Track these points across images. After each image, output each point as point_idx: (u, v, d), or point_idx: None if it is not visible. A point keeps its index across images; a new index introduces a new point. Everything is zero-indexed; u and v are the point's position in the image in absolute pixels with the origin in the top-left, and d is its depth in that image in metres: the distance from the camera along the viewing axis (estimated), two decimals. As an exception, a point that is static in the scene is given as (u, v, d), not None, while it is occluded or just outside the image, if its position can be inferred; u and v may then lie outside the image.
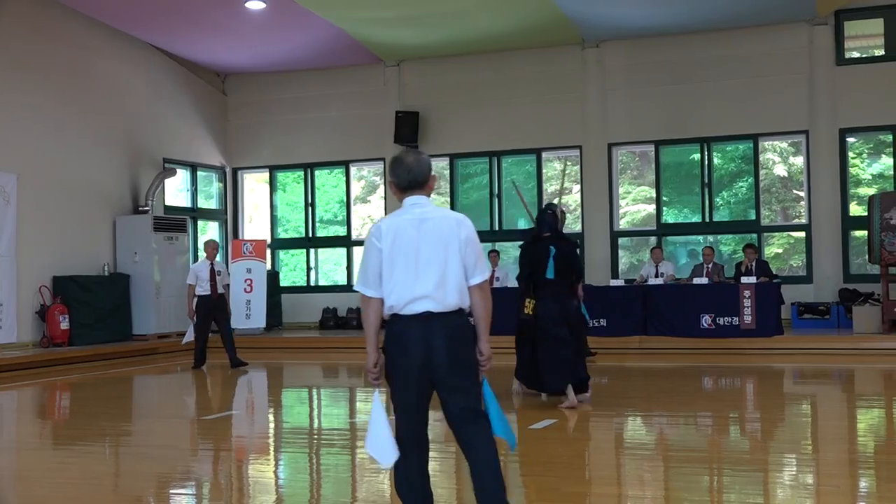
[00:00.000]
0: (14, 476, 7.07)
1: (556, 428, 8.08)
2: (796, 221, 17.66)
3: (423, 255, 4.30)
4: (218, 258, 14.09)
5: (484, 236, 18.79)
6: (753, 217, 17.41)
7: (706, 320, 14.63)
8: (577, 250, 9.60)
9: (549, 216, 9.35)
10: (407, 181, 4.43)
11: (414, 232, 4.33)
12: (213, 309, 13.53)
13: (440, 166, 19.61)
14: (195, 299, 13.44)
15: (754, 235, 17.27)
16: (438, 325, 4.28)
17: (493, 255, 16.65)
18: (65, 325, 15.62)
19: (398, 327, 4.33)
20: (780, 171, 18.15)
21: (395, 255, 4.32)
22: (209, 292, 13.40)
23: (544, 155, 18.71)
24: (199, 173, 19.92)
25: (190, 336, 13.58)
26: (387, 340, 4.38)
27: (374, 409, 4.37)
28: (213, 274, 13.44)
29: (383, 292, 4.36)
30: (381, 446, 4.34)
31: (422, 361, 4.28)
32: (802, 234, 17.30)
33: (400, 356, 4.32)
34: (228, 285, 14.28)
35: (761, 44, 17.04)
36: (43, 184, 15.87)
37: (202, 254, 14.17)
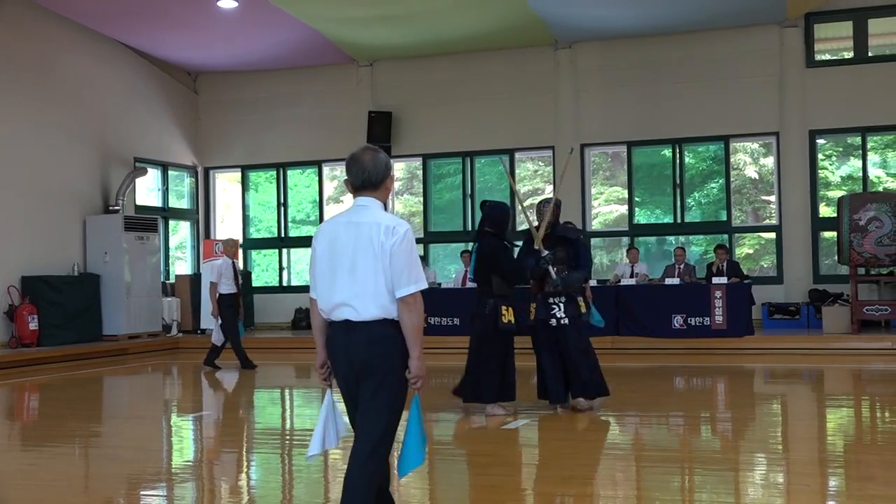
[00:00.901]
0: (-18, 478, 6.99)
1: (528, 428, 8.09)
2: (767, 222, 17.79)
3: (349, 260, 4.17)
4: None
5: (457, 237, 18.86)
6: (724, 218, 17.52)
7: (678, 320, 14.69)
8: (512, 247, 8.87)
9: (485, 209, 8.82)
10: (361, 181, 4.28)
11: (345, 236, 4.21)
12: (238, 306, 13.27)
13: (413, 166, 19.60)
14: (220, 299, 13.12)
15: (725, 236, 17.38)
16: (359, 335, 4.15)
17: (466, 256, 16.64)
18: (34, 325, 15.45)
19: (329, 332, 4.28)
20: (751, 172, 18.28)
21: (324, 258, 4.25)
22: (234, 290, 13.14)
23: (517, 155, 18.74)
24: (170, 173, 19.79)
25: (218, 335, 13.22)
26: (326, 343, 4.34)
27: (323, 405, 4.36)
28: (236, 273, 13.25)
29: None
30: (313, 438, 4.35)
31: (346, 370, 4.21)
32: (773, 235, 17.43)
33: (332, 361, 4.30)
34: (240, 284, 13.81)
35: (732, 46, 17.15)
36: (11, 182, 15.70)
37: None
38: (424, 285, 4.17)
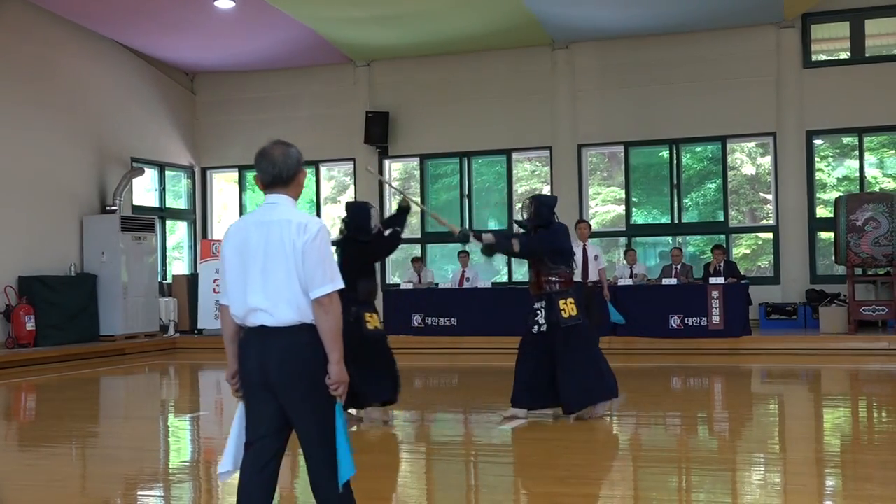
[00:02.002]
0: (-21, 478, 6.98)
1: (526, 429, 8.09)
2: (764, 223, 17.80)
3: (261, 262, 3.93)
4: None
5: (454, 237, 18.80)
6: (721, 218, 17.53)
7: (675, 321, 14.70)
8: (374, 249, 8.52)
9: (348, 213, 8.53)
10: (271, 177, 4.06)
11: (255, 235, 3.97)
12: None
13: (410, 167, 19.60)
14: None
15: (722, 236, 17.39)
16: (273, 341, 3.90)
17: (464, 256, 16.65)
18: (31, 325, 15.43)
19: (242, 339, 4.03)
20: (749, 170, 18.29)
21: (234, 261, 4.00)
22: None
23: (514, 156, 18.75)
24: (167, 173, 19.78)
25: None
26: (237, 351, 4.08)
27: (235, 419, 4.10)
28: None
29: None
30: (225, 454, 4.09)
31: (259, 379, 3.93)
32: (770, 235, 17.44)
33: (242, 371, 4.03)
34: None
35: (729, 46, 17.16)
36: (8, 182, 15.68)
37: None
38: (340, 285, 3.93)
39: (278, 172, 4.07)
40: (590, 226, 14.11)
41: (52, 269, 16.36)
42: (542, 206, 8.40)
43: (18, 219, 15.84)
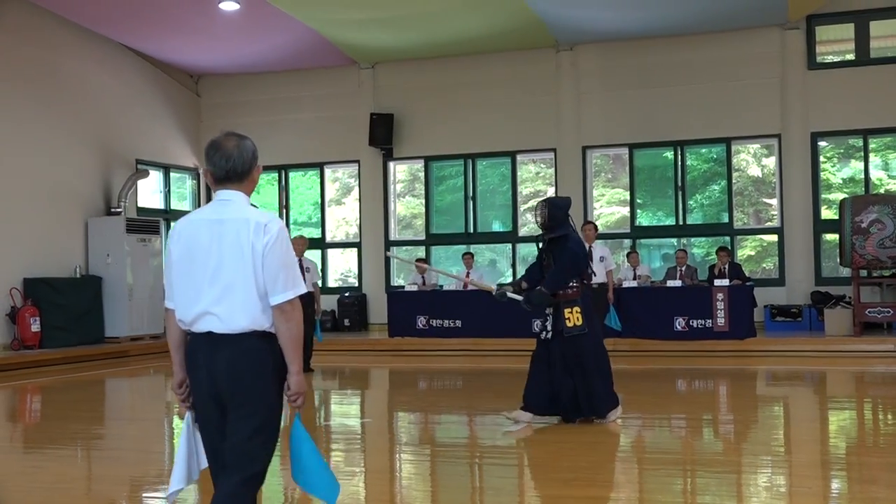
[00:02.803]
0: (-16, 480, 6.99)
1: (530, 431, 8.09)
2: (769, 224, 17.79)
3: (213, 263, 3.65)
4: (307, 254, 13.62)
5: (459, 239, 18.86)
6: (726, 220, 17.52)
7: (680, 322, 14.70)
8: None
9: None
10: (224, 171, 3.75)
11: (207, 235, 3.68)
12: (304, 307, 13.13)
13: (415, 168, 19.61)
14: None
15: (727, 238, 17.37)
16: (223, 349, 3.63)
17: (468, 258, 16.65)
18: (36, 327, 15.46)
19: (190, 346, 3.76)
20: (754, 171, 18.27)
21: (182, 262, 3.72)
22: None
23: (519, 157, 18.75)
24: (172, 174, 19.80)
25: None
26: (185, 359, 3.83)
27: (183, 432, 3.88)
28: (301, 271, 13.08)
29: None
30: (174, 472, 3.85)
31: (208, 389, 3.68)
32: (775, 237, 17.42)
33: (191, 380, 3.77)
34: (317, 284, 13.44)
35: (734, 48, 17.16)
36: (13, 184, 15.71)
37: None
38: (302, 290, 3.72)
39: (232, 167, 3.75)
40: (596, 227, 14.10)
41: (58, 270, 16.39)
42: (555, 209, 8.30)
43: (24, 221, 15.86)
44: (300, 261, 12.99)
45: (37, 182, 16.22)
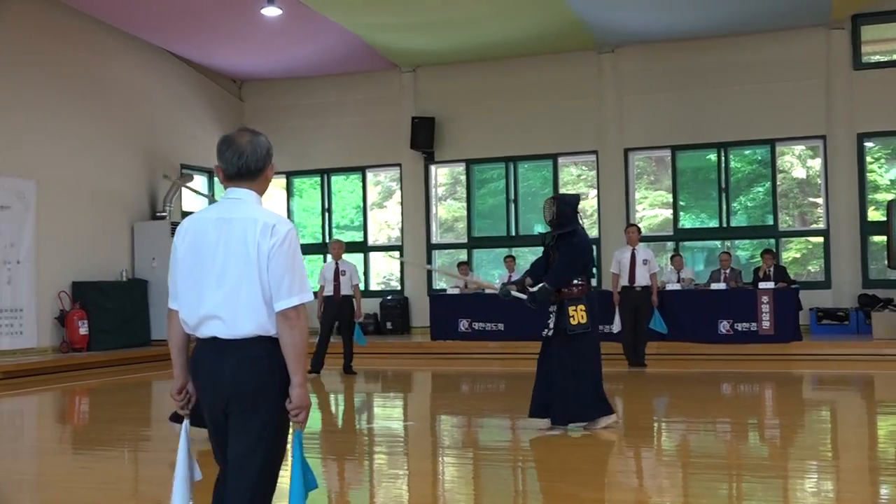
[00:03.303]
0: (35, 481, 7.11)
1: (573, 434, 8.06)
2: (814, 227, 17.58)
3: (218, 265, 3.48)
4: (346, 257, 13.59)
5: (500, 242, 18.85)
6: (771, 222, 17.34)
7: (724, 326, 14.58)
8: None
9: None
10: (236, 168, 3.58)
11: (214, 235, 3.51)
12: (337, 311, 13.14)
13: (456, 172, 19.63)
14: (323, 301, 13.17)
15: (772, 240, 17.20)
16: (228, 355, 3.46)
17: (510, 261, 16.65)
18: (84, 330, 15.70)
19: (195, 352, 3.60)
20: (799, 173, 18.07)
21: (186, 261, 3.55)
22: (332, 293, 13.07)
23: (560, 160, 18.71)
24: (216, 179, 19.98)
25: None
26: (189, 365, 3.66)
27: (180, 445, 3.70)
28: (337, 274, 13.10)
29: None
30: (175, 489, 3.69)
31: (213, 397, 3.52)
32: (821, 239, 17.22)
33: (197, 388, 3.61)
34: (357, 286, 13.39)
35: (777, 48, 16.99)
36: (61, 190, 15.96)
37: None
38: (309, 297, 3.50)
39: (245, 164, 3.58)
40: (639, 229, 14.00)
41: (105, 274, 16.62)
42: (564, 205, 8.24)
43: (72, 226, 16.10)
44: (336, 264, 13.06)
45: (84, 187, 16.46)
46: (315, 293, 13.06)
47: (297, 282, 3.46)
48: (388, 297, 18.98)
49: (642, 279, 13.34)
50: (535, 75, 18.44)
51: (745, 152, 17.97)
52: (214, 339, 3.49)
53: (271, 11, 15.62)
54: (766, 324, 14.36)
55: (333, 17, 16.08)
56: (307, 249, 20.55)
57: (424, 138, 18.74)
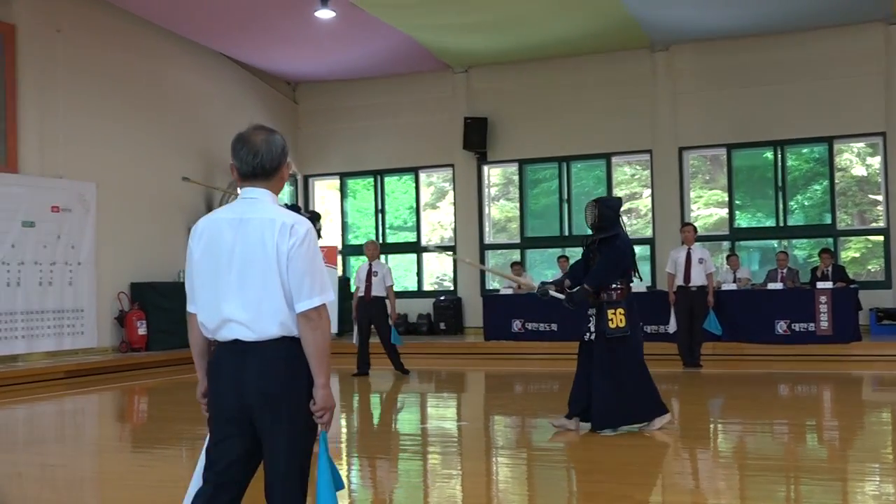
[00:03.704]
0: (96, 478, 7.25)
1: (629, 435, 8.02)
2: (874, 225, 17.27)
3: (237, 266, 3.41)
4: (382, 259, 13.84)
5: (554, 242, 18.79)
6: (829, 221, 17.07)
7: (781, 326, 14.39)
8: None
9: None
10: (251, 167, 3.53)
11: (230, 236, 3.44)
12: (370, 312, 13.28)
13: (509, 172, 19.61)
14: (358, 302, 13.35)
15: (830, 239, 16.93)
16: (252, 358, 3.40)
17: (563, 261, 16.59)
18: (142, 330, 15.95)
19: (215, 356, 3.52)
20: (859, 170, 17.76)
21: (204, 264, 3.48)
22: (364, 294, 13.23)
23: (614, 160, 18.60)
24: (271, 180, 20.16)
25: (355, 339, 13.45)
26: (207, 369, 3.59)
27: (203, 452, 3.61)
28: (368, 275, 13.26)
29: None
30: (189, 489, 3.65)
31: (233, 401, 3.42)
32: (881, 238, 16.91)
33: (212, 392, 3.51)
34: (391, 287, 13.44)
35: (835, 44, 16.71)
36: (121, 192, 16.22)
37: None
38: (330, 297, 3.44)
39: (260, 162, 3.52)
40: (695, 229, 13.85)
41: (163, 275, 16.85)
42: (606, 209, 8.27)
43: (130, 227, 16.36)
44: (370, 265, 13.14)
45: (142, 189, 16.71)
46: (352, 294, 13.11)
47: (317, 282, 3.41)
48: (442, 298, 19.02)
49: (697, 279, 13.22)
50: (588, 74, 18.35)
51: (802, 150, 17.70)
52: (236, 341, 3.42)
53: (325, 14, 15.73)
54: (824, 324, 14.15)
55: (386, 18, 16.16)
56: (360, 251, 20.64)
57: (477, 139, 18.75)
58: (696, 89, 17.70)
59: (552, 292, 8.41)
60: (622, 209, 8.65)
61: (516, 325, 16.08)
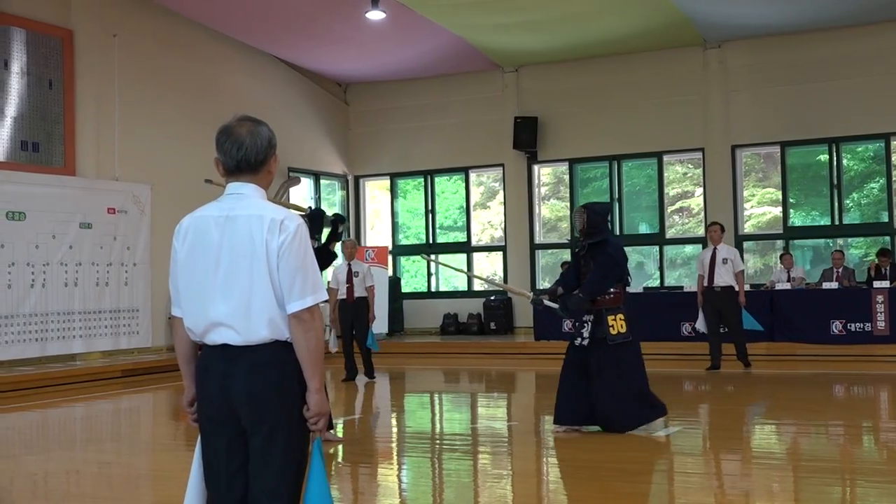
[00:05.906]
0: (150, 475, 7.37)
1: (682, 436, 7.97)
2: (933, 223, 16.94)
3: (223, 266, 3.22)
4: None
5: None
6: (886, 219, 16.78)
7: (836, 326, 14.17)
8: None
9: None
10: (236, 161, 3.34)
11: (216, 234, 3.26)
12: (352, 314, 12.58)
13: (559, 171, 19.56)
14: (337, 303, 12.56)
15: (887, 238, 16.63)
16: (241, 362, 3.20)
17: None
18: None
19: (202, 359, 3.32)
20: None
21: (189, 265, 3.28)
22: (346, 296, 12.55)
23: (665, 158, 18.46)
24: (322, 181, 20.35)
25: (334, 345, 12.39)
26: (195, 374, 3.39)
27: (194, 460, 3.44)
28: (349, 275, 12.59)
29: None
30: (186, 500, 3.47)
31: (220, 408, 3.24)
32: (939, 236, 16.58)
33: (200, 398, 3.32)
34: (373, 287, 12.78)
35: (890, 40, 16.41)
36: (175, 194, 16.42)
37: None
38: (324, 296, 3.27)
39: (245, 156, 3.35)
40: (722, 228, 13.42)
41: (215, 275, 17.03)
42: (594, 214, 8.20)
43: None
44: (349, 265, 12.53)
45: (196, 191, 16.77)
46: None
47: (309, 281, 3.20)
48: (492, 298, 19.03)
49: (721, 279, 12.87)
50: (639, 72, 18.22)
51: (858, 148, 17.42)
52: (225, 346, 3.22)
53: (375, 15, 15.82)
54: (881, 324, 13.91)
55: (436, 18, 16.21)
56: (410, 250, 20.75)
57: (527, 138, 18.72)
58: (748, 86, 17.50)
59: (546, 301, 8.42)
60: (608, 214, 8.64)
61: (566, 324, 16.01)
